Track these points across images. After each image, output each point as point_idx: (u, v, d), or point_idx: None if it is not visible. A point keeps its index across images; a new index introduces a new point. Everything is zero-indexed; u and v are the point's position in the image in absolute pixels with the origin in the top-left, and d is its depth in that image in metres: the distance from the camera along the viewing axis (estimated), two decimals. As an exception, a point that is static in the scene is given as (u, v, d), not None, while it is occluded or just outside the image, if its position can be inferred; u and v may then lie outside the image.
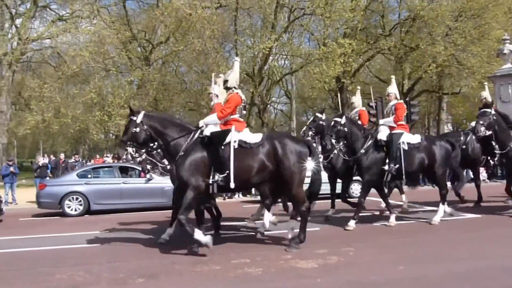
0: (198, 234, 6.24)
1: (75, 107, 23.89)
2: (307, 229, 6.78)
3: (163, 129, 6.59)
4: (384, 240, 7.18)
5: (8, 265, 6.29)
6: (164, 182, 11.78)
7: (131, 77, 24.42)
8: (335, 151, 9.17)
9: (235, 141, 6.38)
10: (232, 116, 6.66)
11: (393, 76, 9.97)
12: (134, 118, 6.60)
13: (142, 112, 6.71)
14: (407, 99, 17.98)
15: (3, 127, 23.37)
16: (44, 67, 27.46)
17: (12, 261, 6.56)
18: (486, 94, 10.55)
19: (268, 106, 29.56)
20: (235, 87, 6.74)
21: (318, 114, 9.16)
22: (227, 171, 6.25)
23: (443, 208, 8.51)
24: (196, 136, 6.48)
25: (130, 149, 6.73)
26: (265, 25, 24.85)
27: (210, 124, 6.68)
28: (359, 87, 11.62)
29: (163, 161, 8.31)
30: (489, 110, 8.61)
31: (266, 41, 22.59)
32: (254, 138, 6.58)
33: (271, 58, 25.35)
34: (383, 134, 8.42)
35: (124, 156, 7.28)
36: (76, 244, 7.63)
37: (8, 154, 24.32)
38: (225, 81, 6.80)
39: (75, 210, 12.06)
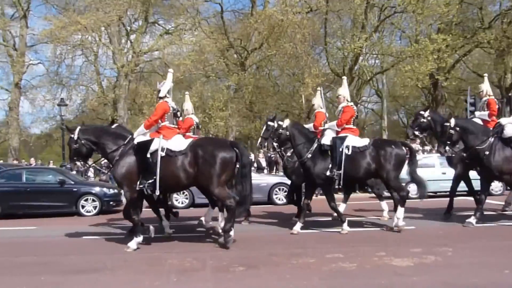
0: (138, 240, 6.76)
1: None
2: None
3: (98, 140, 6.99)
4: (486, 242, 6.63)
5: (126, 250, 6.86)
6: (260, 179, 12.26)
7: (229, 82, 25.24)
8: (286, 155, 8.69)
9: (162, 150, 6.52)
10: (162, 124, 6.75)
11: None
12: (72, 135, 7.00)
13: (78, 128, 7.07)
14: (510, 94, 16.27)
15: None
16: (154, 76, 29.42)
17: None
18: (485, 87, 8.82)
19: (358, 105, 28.72)
20: (166, 96, 6.89)
21: (270, 122, 8.15)
22: (154, 178, 6.46)
23: (401, 210, 7.69)
24: (131, 143, 6.75)
25: (78, 163, 7.14)
26: (355, 25, 24.20)
27: (140, 134, 6.79)
28: (319, 88, 9.69)
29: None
30: (422, 112, 8.27)
31: (356, 42, 22.00)
32: (178, 146, 6.64)
33: (361, 58, 24.60)
34: (327, 138, 7.90)
35: (76, 168, 7.60)
36: (185, 233, 8.08)
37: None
38: (158, 91, 6.90)
39: (182, 203, 12.66)
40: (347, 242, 6.83)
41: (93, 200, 11.83)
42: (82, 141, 7.05)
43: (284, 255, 6.05)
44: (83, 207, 11.74)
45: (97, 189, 12.09)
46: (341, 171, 7.54)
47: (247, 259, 5.86)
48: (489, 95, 8.36)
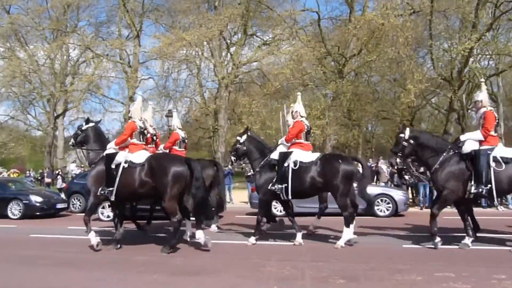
0: (91, 235, 7.56)
1: (278, 119, 25.56)
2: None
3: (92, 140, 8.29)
4: None
5: (227, 254, 7.14)
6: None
7: (326, 90, 25.01)
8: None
9: (126, 162, 7.40)
10: (130, 141, 7.65)
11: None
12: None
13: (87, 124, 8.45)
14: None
15: (222, 138, 26.68)
16: (252, 86, 30.44)
17: (230, 250, 7.43)
18: (483, 96, 7.60)
19: (469, 111, 26.40)
20: (135, 117, 7.82)
21: (237, 137, 8.57)
22: (112, 187, 7.38)
23: (347, 231, 7.53)
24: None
25: None
26: (464, 25, 22.37)
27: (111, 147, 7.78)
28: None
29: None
30: (402, 134, 7.68)
31: (465, 42, 20.31)
32: (139, 159, 7.43)
33: (471, 59, 22.66)
34: (275, 153, 8.09)
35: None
36: (282, 242, 8.15)
37: (225, 160, 27.61)
38: (128, 112, 7.68)
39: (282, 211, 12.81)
40: (459, 261, 6.27)
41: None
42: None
43: (387, 269, 5.77)
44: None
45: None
46: (284, 186, 7.70)
47: (348, 272, 5.70)
48: (487, 106, 7.45)
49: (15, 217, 13.28)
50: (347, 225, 7.57)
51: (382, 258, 6.59)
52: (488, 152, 7.11)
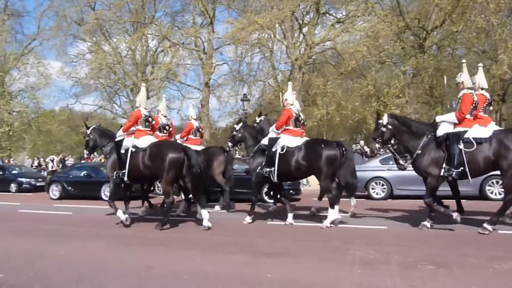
0: (120, 213, 8.59)
1: (354, 100, 24.95)
2: None
3: (100, 139, 9.62)
4: None
5: (308, 236, 7.14)
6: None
7: (405, 66, 23.78)
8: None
9: (133, 147, 8.34)
10: (136, 127, 8.50)
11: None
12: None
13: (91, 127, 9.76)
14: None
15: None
16: (326, 66, 29.76)
17: (311, 233, 7.40)
18: (464, 78, 7.47)
19: None
20: (140, 106, 8.67)
21: (235, 125, 9.63)
22: (124, 169, 8.36)
23: (332, 212, 7.92)
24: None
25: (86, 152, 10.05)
26: None
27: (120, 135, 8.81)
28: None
29: None
30: (380, 120, 8.08)
31: None
32: (143, 144, 8.32)
33: None
34: (265, 139, 8.71)
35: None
36: (365, 225, 8.00)
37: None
38: (134, 102, 8.60)
39: (379, 194, 12.71)
40: None
41: None
42: (91, 136, 9.65)
43: (481, 257, 5.40)
44: None
45: None
46: (273, 169, 8.29)
47: (437, 258, 5.41)
48: (466, 88, 7.36)
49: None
50: (332, 206, 7.97)
51: (474, 244, 6.19)
52: (460, 134, 7.17)
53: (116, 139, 8.83)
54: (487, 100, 7.58)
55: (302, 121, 8.88)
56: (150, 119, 8.71)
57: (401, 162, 7.87)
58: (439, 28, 23.26)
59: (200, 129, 11.30)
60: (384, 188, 12.64)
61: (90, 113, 33.78)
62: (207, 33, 30.02)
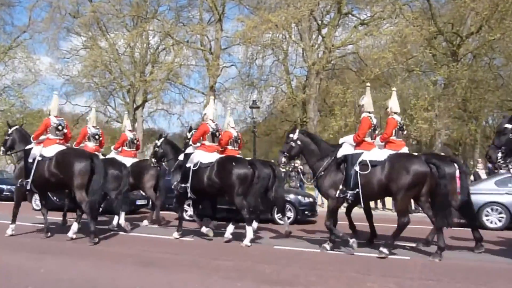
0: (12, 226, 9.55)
1: (376, 111, 24.86)
2: None
3: (18, 142, 9.97)
4: None
5: (320, 264, 7.08)
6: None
7: (436, 76, 23.81)
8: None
9: (40, 156, 9.24)
10: (46, 136, 9.40)
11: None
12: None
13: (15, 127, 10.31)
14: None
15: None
16: (346, 73, 29.89)
17: (323, 260, 7.33)
18: (365, 101, 8.42)
19: None
20: (51, 114, 9.64)
21: (156, 141, 10.82)
22: (29, 178, 9.20)
23: (249, 230, 8.76)
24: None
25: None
26: None
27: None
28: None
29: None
30: (291, 134, 8.64)
31: None
32: (49, 152, 9.15)
33: None
34: (182, 155, 9.76)
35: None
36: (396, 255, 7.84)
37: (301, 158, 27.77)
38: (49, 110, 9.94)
39: (494, 223, 11.55)
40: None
41: None
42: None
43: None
44: None
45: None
46: (187, 184, 9.18)
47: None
48: (366, 112, 8.33)
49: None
50: (248, 224, 8.77)
51: (503, 279, 6.11)
52: (356, 156, 7.94)
53: (26, 148, 9.54)
54: (399, 124, 8.46)
55: (235, 140, 10.31)
56: (60, 127, 9.55)
57: (304, 180, 9.35)
58: (475, 34, 23.31)
59: (136, 141, 12.20)
60: (502, 216, 11.56)
61: (82, 115, 34.18)
62: (214, 31, 30.37)
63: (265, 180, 9.39)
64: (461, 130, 24.54)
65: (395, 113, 8.58)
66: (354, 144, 8.14)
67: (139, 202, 14.91)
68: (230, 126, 10.59)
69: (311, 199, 12.90)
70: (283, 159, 8.63)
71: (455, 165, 8.36)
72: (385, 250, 7.55)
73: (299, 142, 8.53)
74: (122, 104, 34.96)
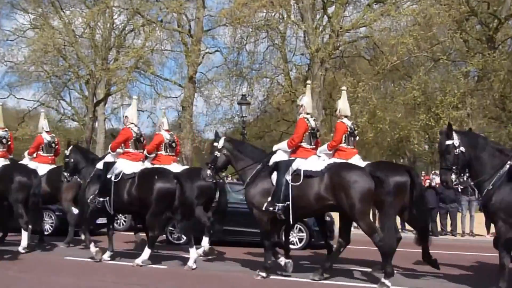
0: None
1: (394, 109, 25.00)
2: None
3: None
4: None
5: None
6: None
7: (468, 66, 24.05)
8: None
9: None
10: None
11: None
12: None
13: None
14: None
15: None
16: (358, 62, 29.93)
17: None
18: (305, 101, 9.15)
19: None
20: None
21: (66, 151, 11.40)
22: None
23: (147, 251, 9.60)
24: None
25: None
26: None
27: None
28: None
29: None
30: (216, 143, 9.23)
31: None
32: None
33: None
34: (101, 163, 10.36)
35: None
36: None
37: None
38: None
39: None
40: None
41: None
42: None
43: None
44: None
45: None
46: (107, 199, 9.73)
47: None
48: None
49: None
50: (149, 246, 9.67)
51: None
52: (288, 164, 8.51)
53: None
54: (349, 129, 9.10)
55: (169, 144, 10.89)
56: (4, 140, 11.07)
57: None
58: (516, 16, 23.61)
59: (54, 144, 12.78)
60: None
61: (29, 111, 33.99)
62: (195, 9, 30.23)
63: (196, 194, 10.01)
64: (498, 133, 24.71)
65: (345, 116, 9.25)
66: (286, 149, 8.79)
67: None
68: (163, 129, 11.21)
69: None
70: (208, 172, 9.07)
71: (408, 174, 8.83)
72: (315, 277, 8.34)
73: (225, 151, 9.11)
74: (80, 98, 34.79)
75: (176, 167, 10.62)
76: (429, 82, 24.48)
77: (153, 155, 10.87)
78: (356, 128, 10.03)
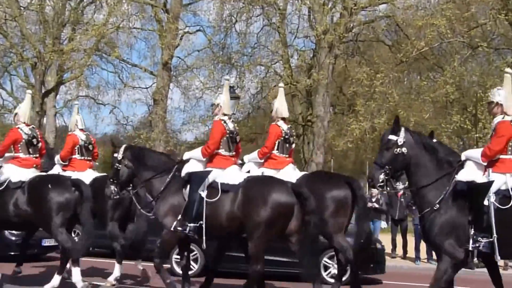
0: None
1: (421, 108, 24.88)
2: None
3: None
4: None
5: None
6: None
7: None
8: None
9: None
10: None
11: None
12: None
13: None
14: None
15: (319, 138, 25.96)
16: (376, 48, 29.68)
17: None
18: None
19: None
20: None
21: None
22: None
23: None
24: None
25: None
26: None
27: None
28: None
29: None
30: (116, 154, 9.71)
31: None
32: None
33: None
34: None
35: None
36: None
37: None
38: None
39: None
40: None
41: None
42: None
43: None
44: None
45: None
46: None
47: None
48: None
49: None
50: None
51: None
52: (202, 176, 8.89)
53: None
54: (283, 135, 9.69)
55: (84, 146, 11.36)
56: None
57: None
58: None
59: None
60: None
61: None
62: (173, -23, 30.12)
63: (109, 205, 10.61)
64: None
65: (283, 118, 9.91)
66: (200, 158, 9.27)
67: (45, 243, 14.93)
68: (78, 128, 11.63)
69: (379, 246, 13.38)
70: (112, 188, 9.53)
71: (349, 187, 9.36)
72: None
73: (126, 162, 9.58)
74: (24, 86, 34.39)
75: (91, 174, 11.03)
76: (465, 74, 24.40)
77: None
78: (293, 133, 10.57)
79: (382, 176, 7.65)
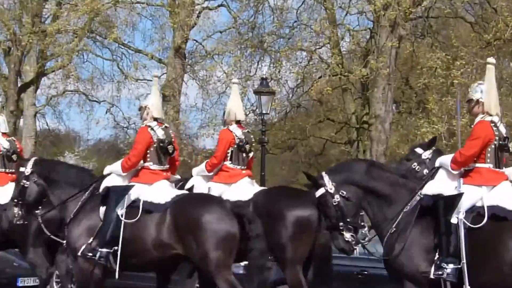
0: None
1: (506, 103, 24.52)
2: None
3: None
4: None
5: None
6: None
7: None
8: None
9: None
10: None
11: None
12: None
13: None
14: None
15: (379, 145, 25.85)
16: (453, 26, 29.28)
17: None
18: (150, 101, 10.07)
19: None
20: None
21: None
22: None
23: None
24: None
25: None
26: None
27: None
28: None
29: None
30: (22, 168, 10.08)
31: None
32: None
33: None
34: None
35: None
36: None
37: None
38: None
39: None
40: None
41: None
42: None
43: None
44: None
45: None
46: None
47: None
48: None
49: None
50: None
51: None
52: (121, 192, 9.06)
53: None
54: (237, 141, 9.97)
55: (6, 156, 11.76)
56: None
57: None
58: None
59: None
60: None
61: None
62: None
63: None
64: None
65: (238, 122, 10.20)
66: (124, 174, 9.42)
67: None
68: (1, 131, 12.19)
69: None
70: (16, 211, 9.86)
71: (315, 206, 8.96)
72: None
73: (35, 179, 9.84)
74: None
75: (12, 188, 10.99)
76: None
77: None
78: (251, 139, 10.68)
79: (347, 236, 7.72)
